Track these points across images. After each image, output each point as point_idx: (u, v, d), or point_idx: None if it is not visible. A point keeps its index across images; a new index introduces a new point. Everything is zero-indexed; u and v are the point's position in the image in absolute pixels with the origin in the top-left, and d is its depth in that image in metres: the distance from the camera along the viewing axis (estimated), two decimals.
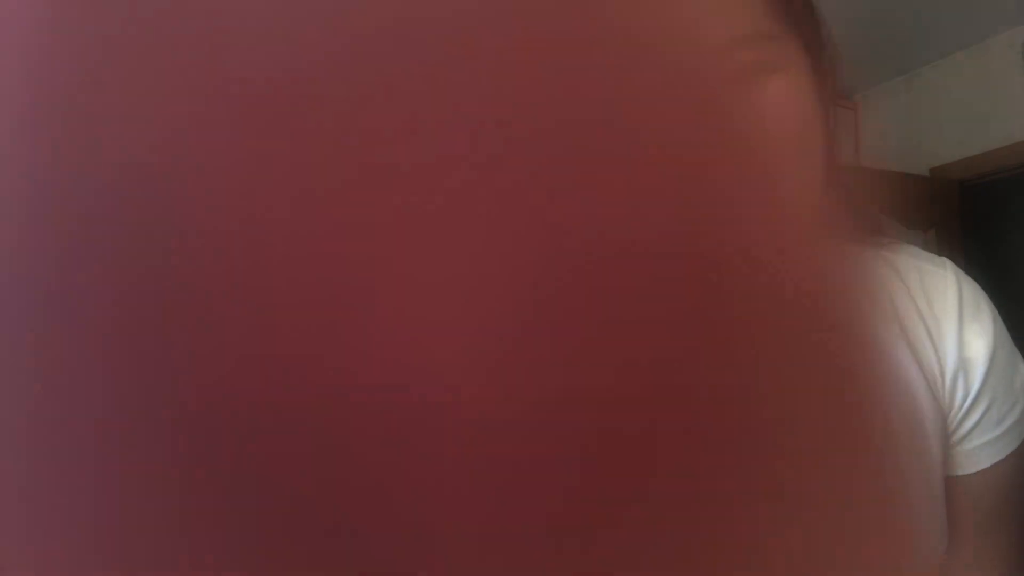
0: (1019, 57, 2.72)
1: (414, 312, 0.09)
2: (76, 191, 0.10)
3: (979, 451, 0.62)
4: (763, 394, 0.12)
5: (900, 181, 2.90)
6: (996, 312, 0.63)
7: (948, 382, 0.61)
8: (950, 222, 2.94)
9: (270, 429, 0.10)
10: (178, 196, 0.10)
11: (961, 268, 0.65)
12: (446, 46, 0.10)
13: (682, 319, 0.11)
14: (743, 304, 0.12)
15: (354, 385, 0.09)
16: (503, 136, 0.10)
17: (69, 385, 0.10)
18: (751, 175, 0.13)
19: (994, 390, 0.61)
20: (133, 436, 0.10)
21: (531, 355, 0.09)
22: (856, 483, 0.15)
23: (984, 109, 2.86)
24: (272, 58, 0.10)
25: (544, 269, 0.10)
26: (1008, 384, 0.62)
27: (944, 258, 0.64)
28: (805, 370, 0.12)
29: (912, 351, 0.60)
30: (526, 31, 0.11)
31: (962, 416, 0.61)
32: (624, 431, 0.10)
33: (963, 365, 0.60)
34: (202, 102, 0.10)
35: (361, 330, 0.09)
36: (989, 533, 0.64)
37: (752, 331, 0.12)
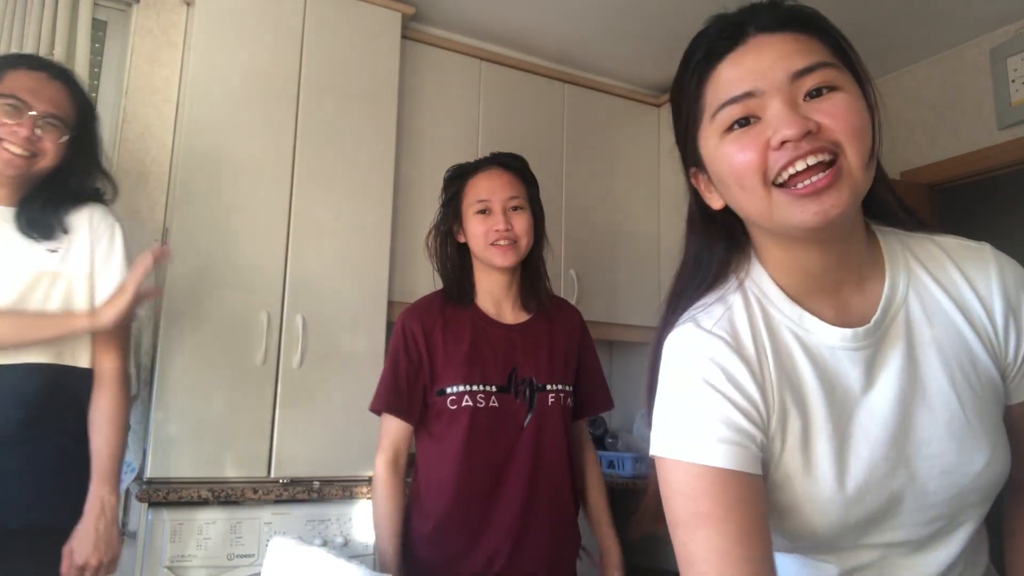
0: (988, 64, 2.77)
1: None
2: None
3: None
4: None
5: None
6: None
7: (1001, 329, 0.77)
8: None
9: None
10: None
11: None
12: None
13: None
14: None
15: None
16: None
17: None
18: None
19: None
20: None
21: None
22: None
23: (954, 114, 2.91)
24: None
25: None
26: None
27: (983, 242, 0.82)
28: None
29: (964, 313, 0.78)
30: None
31: (1021, 357, 0.78)
32: None
33: (1012, 312, 0.78)
34: None
35: None
36: None
37: None
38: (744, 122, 0.71)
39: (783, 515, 0.75)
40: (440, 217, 1.63)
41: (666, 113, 3.31)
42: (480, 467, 1.48)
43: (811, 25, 0.73)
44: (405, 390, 1.51)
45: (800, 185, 0.69)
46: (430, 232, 1.64)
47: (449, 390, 1.50)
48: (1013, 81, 2.67)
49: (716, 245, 0.83)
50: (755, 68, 0.71)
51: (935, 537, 0.77)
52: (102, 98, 2.44)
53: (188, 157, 2.21)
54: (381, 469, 1.52)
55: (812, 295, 0.79)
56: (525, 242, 1.55)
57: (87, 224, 1.54)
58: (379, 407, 1.55)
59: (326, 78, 2.45)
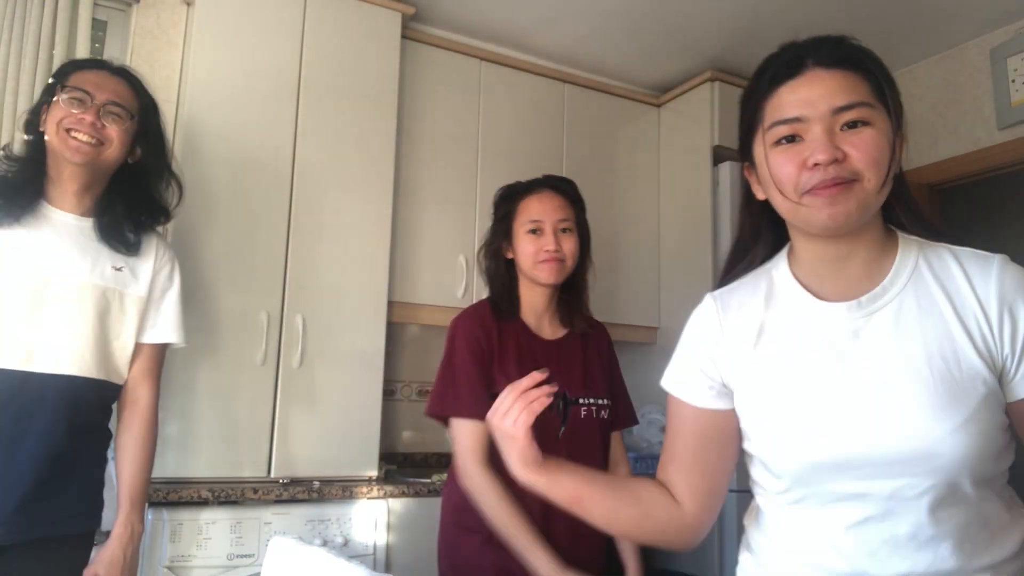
0: (988, 64, 2.77)
1: None
2: None
3: None
4: None
5: None
6: None
7: (996, 325, 0.86)
8: None
9: None
10: None
11: None
12: None
13: None
14: None
15: None
16: None
17: None
18: None
19: None
20: None
21: None
22: None
23: (954, 114, 2.91)
24: None
25: None
26: None
27: (999, 254, 0.91)
28: None
29: (957, 312, 0.87)
30: None
31: (1018, 351, 0.85)
32: None
33: (1007, 308, 0.86)
34: None
35: None
36: None
37: None
38: (791, 139, 0.88)
39: (760, 447, 0.95)
40: (491, 235, 1.73)
41: (666, 113, 3.31)
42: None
43: (861, 65, 0.90)
44: (483, 395, 1.52)
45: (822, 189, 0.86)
46: (481, 248, 1.74)
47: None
48: (1013, 81, 2.67)
49: (760, 230, 1.04)
50: (807, 98, 0.88)
51: (902, 498, 0.85)
52: None
53: (188, 157, 2.21)
54: (476, 467, 1.51)
55: (819, 276, 0.95)
56: (571, 262, 1.65)
57: (153, 254, 1.66)
58: (463, 414, 1.54)
59: (326, 78, 2.45)
